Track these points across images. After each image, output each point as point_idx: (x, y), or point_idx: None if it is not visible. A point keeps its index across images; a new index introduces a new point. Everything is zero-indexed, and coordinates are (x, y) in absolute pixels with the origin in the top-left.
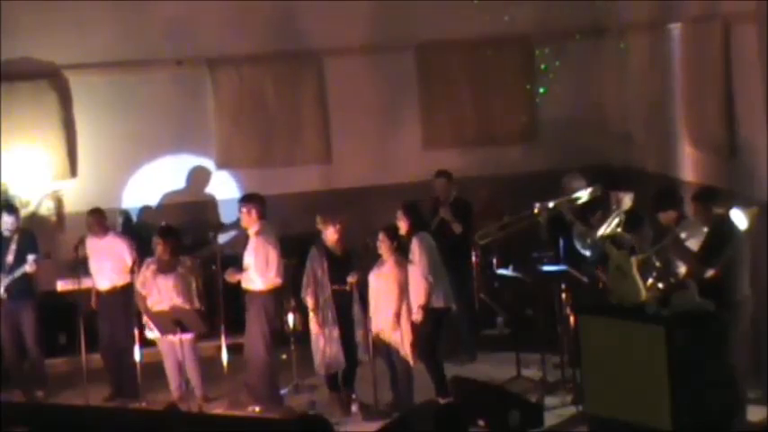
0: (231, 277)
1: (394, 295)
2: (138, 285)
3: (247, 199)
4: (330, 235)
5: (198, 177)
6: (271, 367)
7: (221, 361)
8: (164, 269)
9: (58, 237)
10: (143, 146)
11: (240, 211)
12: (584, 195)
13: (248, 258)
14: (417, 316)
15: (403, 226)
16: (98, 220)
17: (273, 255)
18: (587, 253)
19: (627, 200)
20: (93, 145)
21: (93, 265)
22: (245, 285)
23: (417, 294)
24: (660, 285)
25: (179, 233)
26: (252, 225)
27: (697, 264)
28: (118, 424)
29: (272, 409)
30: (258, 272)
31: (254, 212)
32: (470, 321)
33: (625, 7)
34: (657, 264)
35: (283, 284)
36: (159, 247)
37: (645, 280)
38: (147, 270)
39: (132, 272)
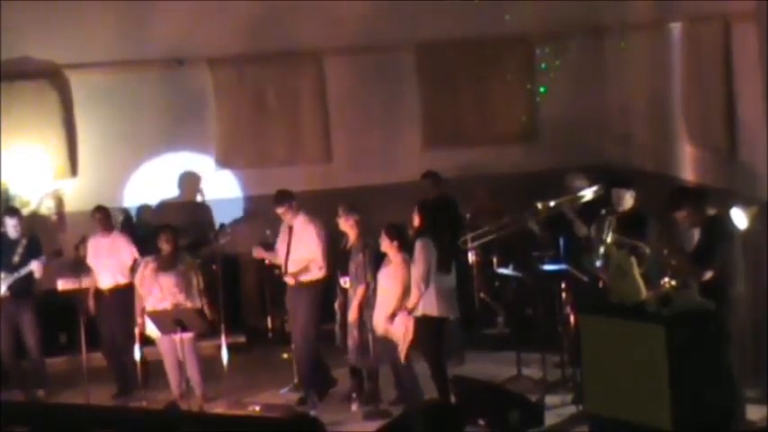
0: (290, 278)
1: (396, 294)
2: (137, 284)
3: (284, 196)
4: (341, 225)
5: (198, 177)
6: (319, 352)
7: (221, 360)
8: (165, 267)
9: (59, 236)
10: (143, 145)
11: (280, 209)
12: (587, 194)
13: (301, 250)
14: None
15: (416, 222)
16: (104, 217)
17: (326, 241)
18: (599, 264)
19: (628, 197)
20: (93, 144)
21: (95, 263)
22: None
23: (425, 298)
24: (674, 283)
25: (178, 232)
26: (296, 217)
27: (691, 266)
28: (118, 423)
29: (273, 408)
30: (322, 259)
31: (294, 205)
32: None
33: (625, 6)
34: (672, 262)
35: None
36: (166, 245)
37: (659, 279)
38: (146, 269)
39: (132, 270)
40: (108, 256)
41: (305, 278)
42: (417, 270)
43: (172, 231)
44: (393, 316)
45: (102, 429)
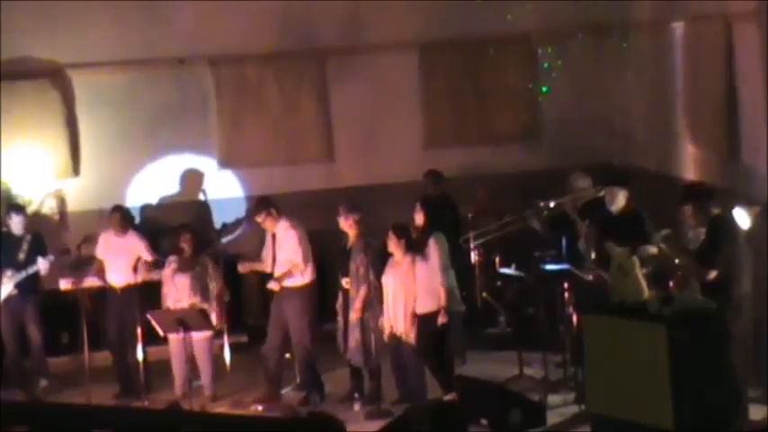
0: (272, 285)
1: (411, 294)
2: (163, 282)
3: (262, 204)
4: (341, 225)
5: (200, 176)
6: (315, 357)
7: (223, 359)
8: (183, 268)
9: (61, 235)
10: (145, 144)
11: (259, 218)
12: (589, 193)
13: (285, 257)
14: (443, 319)
15: (419, 219)
16: (121, 217)
17: (308, 247)
18: (590, 277)
19: (621, 196)
20: (95, 143)
21: (108, 262)
22: (286, 284)
23: (432, 295)
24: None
25: (197, 232)
26: (277, 224)
27: (696, 265)
28: (119, 423)
29: (275, 408)
30: (303, 264)
31: (274, 212)
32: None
33: (627, 6)
34: (681, 263)
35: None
36: (185, 245)
37: (667, 279)
38: (168, 268)
39: (135, 270)
40: (122, 256)
41: (292, 284)
42: (435, 267)
43: (191, 232)
44: (414, 315)
45: (102, 429)
